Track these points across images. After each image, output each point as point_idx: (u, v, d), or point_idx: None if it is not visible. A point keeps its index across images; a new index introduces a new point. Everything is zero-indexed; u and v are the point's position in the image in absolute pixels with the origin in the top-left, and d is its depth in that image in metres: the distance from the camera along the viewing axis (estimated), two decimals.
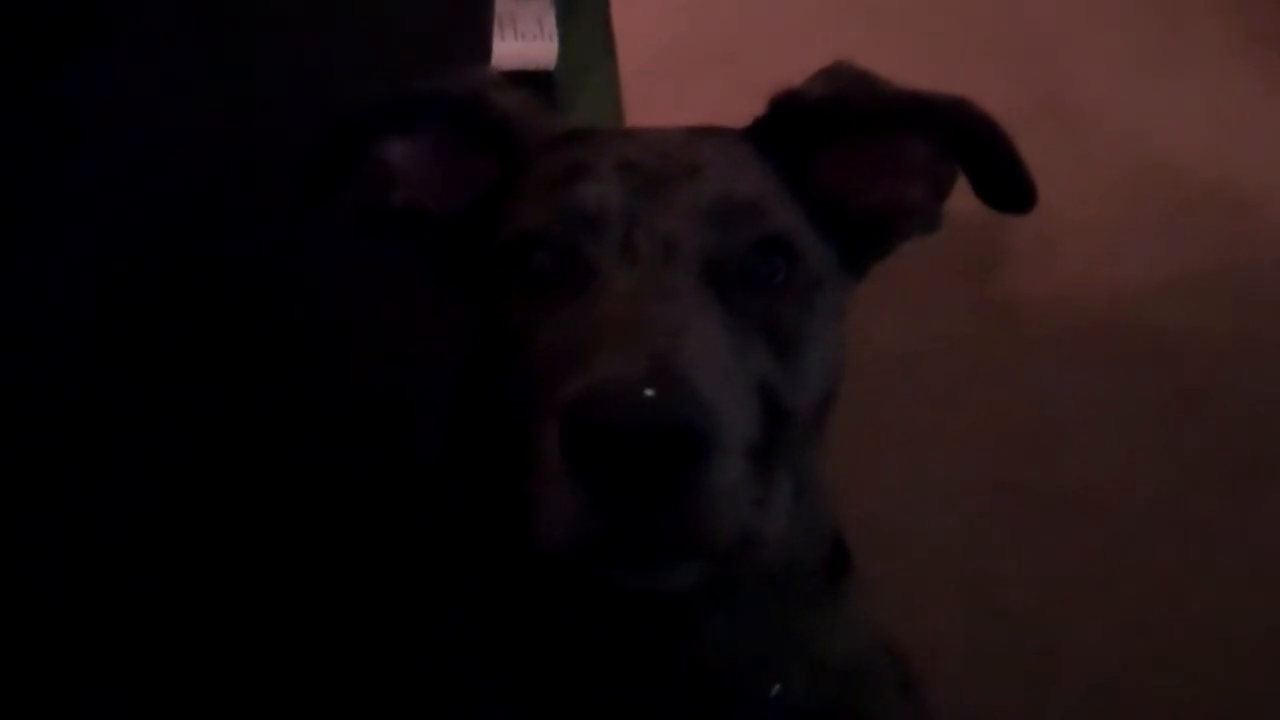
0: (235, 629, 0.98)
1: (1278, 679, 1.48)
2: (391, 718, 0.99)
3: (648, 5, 2.26)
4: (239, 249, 0.96)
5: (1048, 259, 1.99)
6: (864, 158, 0.85)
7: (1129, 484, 1.69)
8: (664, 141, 0.82)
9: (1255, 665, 1.50)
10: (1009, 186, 0.83)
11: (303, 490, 1.02)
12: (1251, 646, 1.51)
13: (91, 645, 0.91)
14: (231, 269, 0.96)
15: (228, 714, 0.98)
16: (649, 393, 0.62)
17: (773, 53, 2.22)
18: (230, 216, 0.95)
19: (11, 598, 0.86)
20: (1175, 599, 1.56)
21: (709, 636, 0.81)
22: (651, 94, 2.09)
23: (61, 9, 0.81)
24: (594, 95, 1.69)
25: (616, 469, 0.62)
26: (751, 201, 0.78)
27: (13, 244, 0.83)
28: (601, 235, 0.75)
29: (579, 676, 0.83)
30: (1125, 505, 1.66)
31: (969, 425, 1.76)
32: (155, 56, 0.89)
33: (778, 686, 0.84)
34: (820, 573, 0.88)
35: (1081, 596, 1.57)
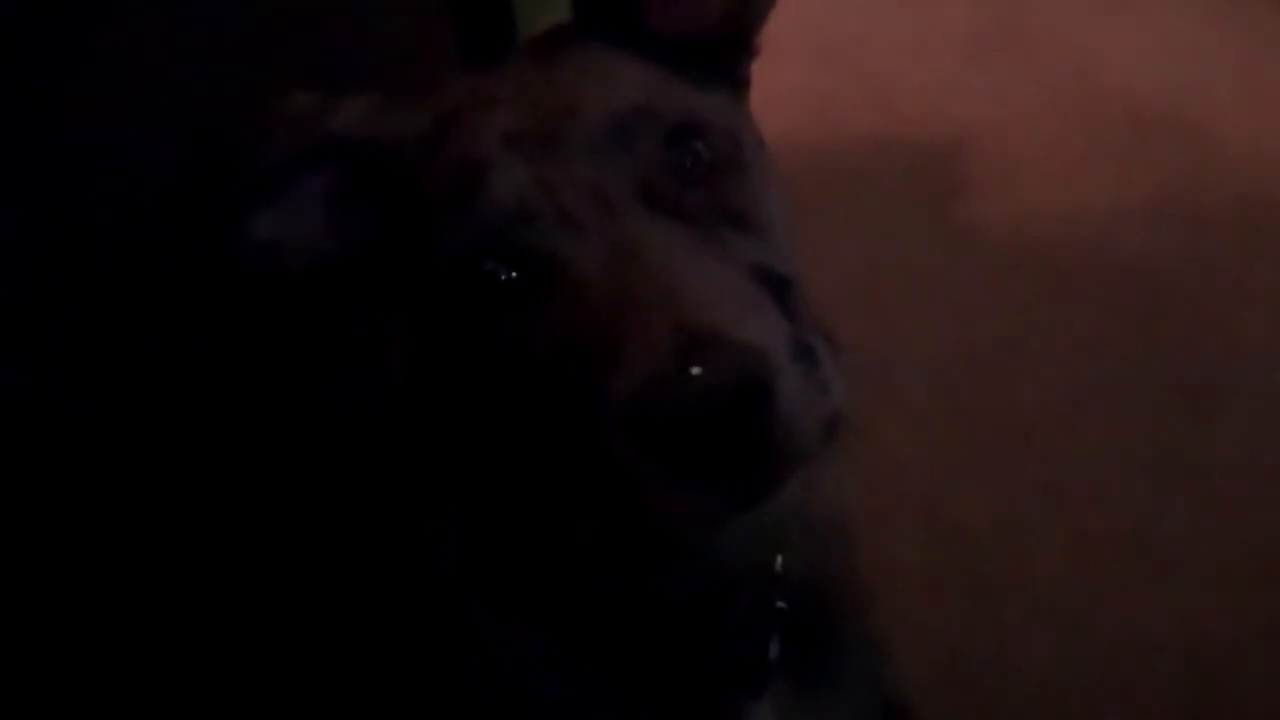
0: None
1: (1231, 596, 1.51)
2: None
3: None
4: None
5: (1006, 187, 2.00)
6: None
7: (1086, 405, 1.70)
8: (526, 90, 0.78)
9: (1208, 584, 1.52)
10: None
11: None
12: (1205, 566, 1.53)
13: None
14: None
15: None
16: (696, 371, 0.61)
17: None
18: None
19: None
20: (1132, 519, 1.58)
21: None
22: None
23: None
24: (555, 8, 1.67)
25: (699, 449, 0.62)
26: (636, 105, 0.76)
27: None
28: (536, 223, 0.72)
29: (583, 577, 0.83)
30: (1082, 426, 1.68)
31: (929, 349, 1.77)
32: None
33: (780, 559, 0.85)
34: None
35: (1040, 517, 1.59)
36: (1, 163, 0.82)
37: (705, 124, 0.78)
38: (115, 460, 0.92)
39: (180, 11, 0.91)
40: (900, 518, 1.56)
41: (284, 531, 1.03)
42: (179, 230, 0.89)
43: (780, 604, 0.86)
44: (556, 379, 0.71)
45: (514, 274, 0.73)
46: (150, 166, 0.91)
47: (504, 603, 0.87)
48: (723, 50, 0.86)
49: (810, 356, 0.69)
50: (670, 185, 0.75)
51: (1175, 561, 1.54)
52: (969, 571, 1.54)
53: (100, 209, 0.88)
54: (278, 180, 0.81)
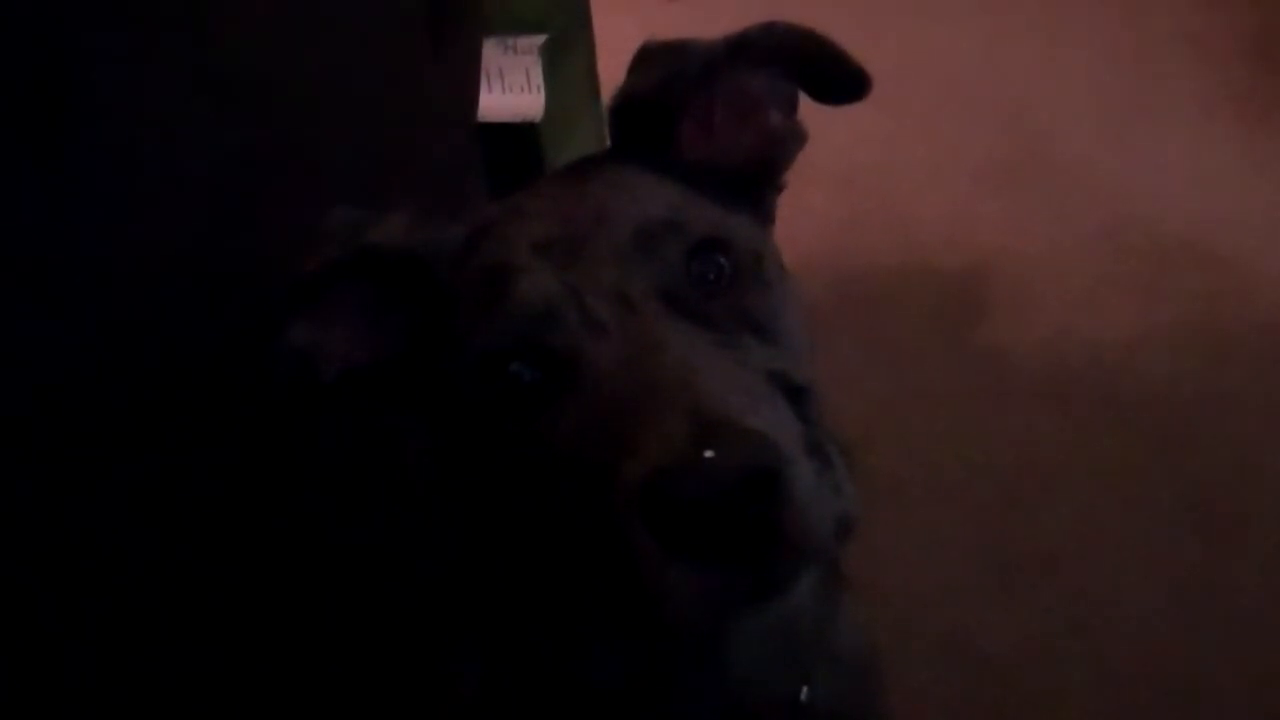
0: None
1: None
2: None
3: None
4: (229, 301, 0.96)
5: (1027, 313, 2.01)
6: (715, 115, 0.88)
7: (1106, 534, 1.70)
8: (557, 203, 0.82)
9: (1236, 711, 1.51)
10: (842, 79, 0.85)
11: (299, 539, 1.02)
12: (1228, 700, 1.52)
13: None
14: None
15: None
16: (709, 454, 0.62)
17: None
18: (225, 259, 0.95)
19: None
20: (1153, 648, 1.57)
21: (741, 648, 0.81)
22: None
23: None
24: (580, 147, 1.71)
25: (712, 533, 0.63)
26: (663, 218, 0.79)
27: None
28: (560, 324, 0.74)
29: (603, 707, 0.83)
30: (1102, 555, 1.67)
31: (949, 477, 1.77)
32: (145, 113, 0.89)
33: (805, 690, 0.85)
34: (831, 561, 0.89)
35: (1065, 645, 1.58)
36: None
37: (729, 239, 0.80)
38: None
39: (212, 139, 0.92)
40: (923, 645, 1.54)
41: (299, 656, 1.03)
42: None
43: None
44: (574, 472, 0.72)
45: (538, 374, 0.75)
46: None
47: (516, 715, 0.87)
48: (751, 182, 0.89)
49: (824, 457, 0.70)
50: (692, 294, 0.77)
51: (1203, 692, 1.52)
52: (995, 700, 1.52)
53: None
54: (316, 288, 0.83)
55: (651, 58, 0.88)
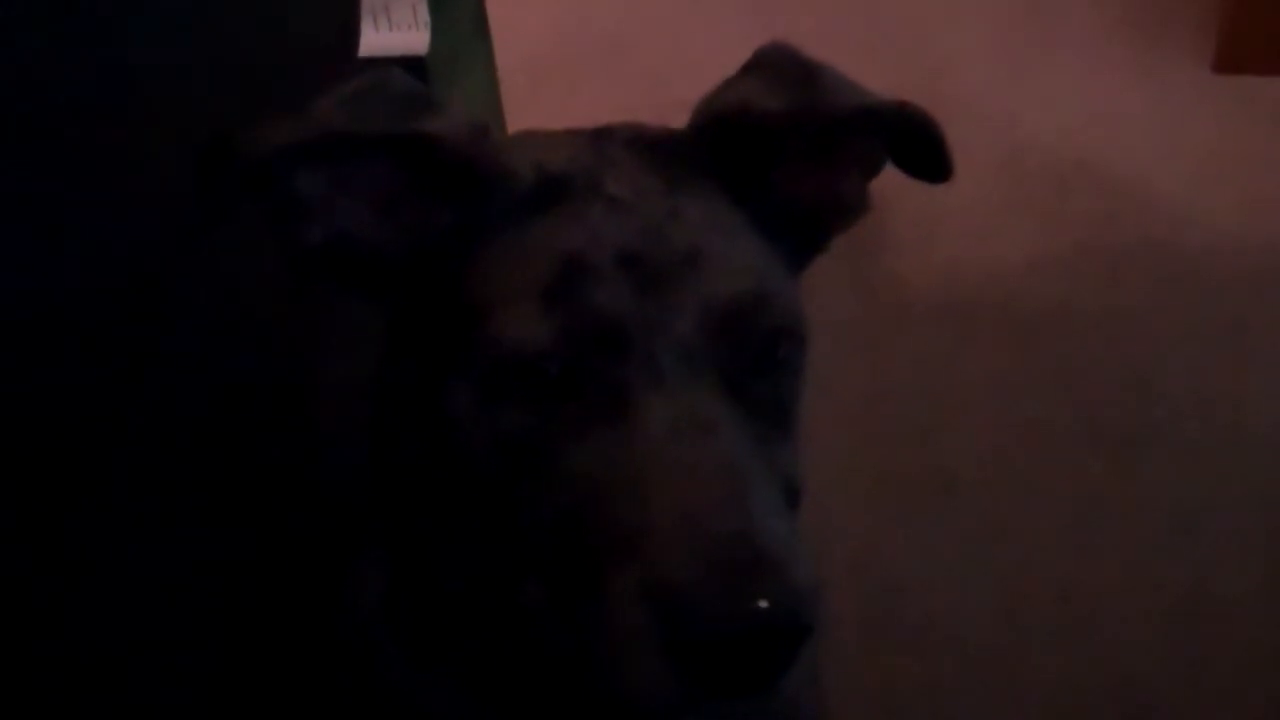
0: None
1: (1154, 646, 1.53)
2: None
3: None
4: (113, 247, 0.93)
5: (926, 241, 2.03)
6: (807, 161, 0.84)
7: (1006, 455, 1.73)
8: (649, 210, 0.75)
9: (1131, 632, 1.54)
10: (931, 164, 0.84)
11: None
12: (1127, 614, 1.56)
13: None
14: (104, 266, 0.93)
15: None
16: (764, 605, 0.61)
17: (656, 42, 2.23)
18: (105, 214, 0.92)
19: None
20: (1053, 569, 1.60)
21: None
22: (534, 84, 2.08)
23: None
24: (470, 84, 1.68)
25: (726, 663, 0.63)
26: (755, 293, 0.75)
27: None
28: (624, 353, 0.70)
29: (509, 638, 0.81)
30: (1002, 477, 1.70)
31: (852, 406, 1.78)
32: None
33: None
34: None
35: (967, 568, 1.60)
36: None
37: (797, 330, 0.77)
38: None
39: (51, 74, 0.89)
40: (828, 571, 1.55)
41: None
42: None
43: None
44: (564, 499, 0.70)
45: (564, 374, 0.71)
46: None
47: (422, 652, 0.85)
48: (803, 227, 0.85)
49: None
50: (746, 370, 0.74)
51: (1101, 607, 1.56)
52: (900, 624, 1.55)
53: None
54: (343, 153, 0.76)
55: (779, 70, 0.84)
